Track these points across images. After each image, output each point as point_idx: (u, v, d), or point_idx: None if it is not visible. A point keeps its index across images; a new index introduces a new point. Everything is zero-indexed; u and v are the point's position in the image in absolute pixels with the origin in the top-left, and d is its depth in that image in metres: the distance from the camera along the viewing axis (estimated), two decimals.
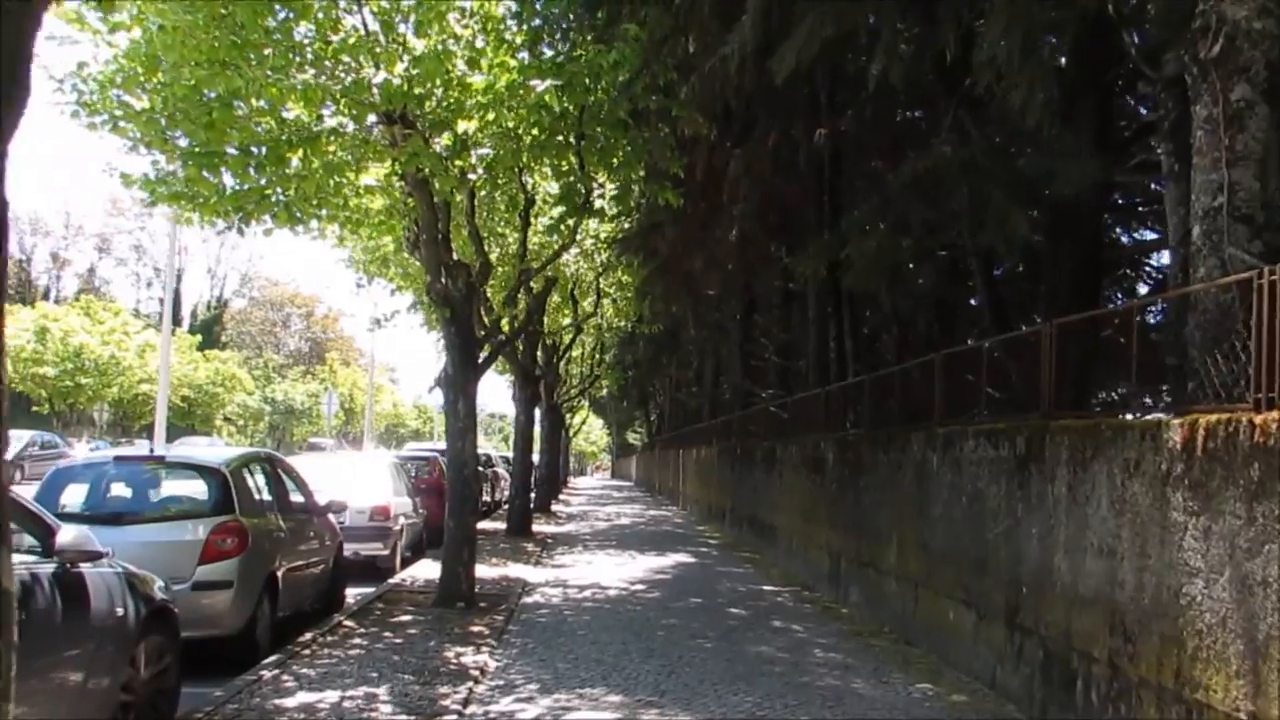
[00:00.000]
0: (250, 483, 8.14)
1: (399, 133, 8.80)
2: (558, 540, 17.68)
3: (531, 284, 15.39)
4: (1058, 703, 5.88)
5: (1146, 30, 8.88)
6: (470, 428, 10.13)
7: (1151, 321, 8.80)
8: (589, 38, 9.92)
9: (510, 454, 22.88)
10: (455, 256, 10.48)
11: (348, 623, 8.66)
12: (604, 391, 44.28)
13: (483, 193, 12.35)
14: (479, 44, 9.04)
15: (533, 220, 13.24)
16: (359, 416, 71.50)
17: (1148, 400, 6.90)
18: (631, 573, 13.02)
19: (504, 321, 14.00)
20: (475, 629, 8.58)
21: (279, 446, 64.09)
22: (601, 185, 11.72)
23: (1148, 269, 15.27)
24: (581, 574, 12.74)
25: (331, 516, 10.14)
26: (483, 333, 11.31)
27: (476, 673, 6.96)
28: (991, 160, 8.76)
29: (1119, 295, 14.30)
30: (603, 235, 18.35)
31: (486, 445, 49.90)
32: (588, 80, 9.12)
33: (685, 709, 6.18)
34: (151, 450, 8.12)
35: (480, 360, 10.77)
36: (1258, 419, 4.15)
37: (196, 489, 7.85)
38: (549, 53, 9.94)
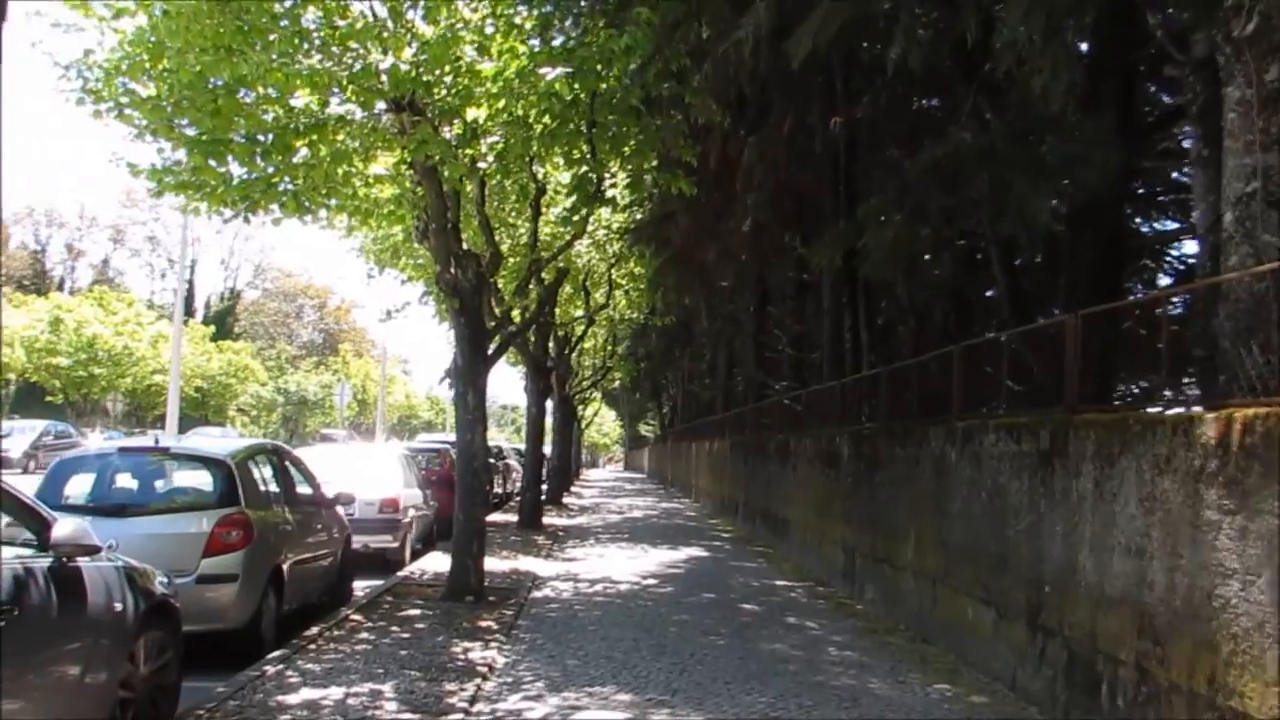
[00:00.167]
0: (256, 475, 8.02)
1: (408, 120, 8.65)
2: (569, 533, 17.56)
3: (543, 275, 15.25)
4: (1081, 706, 5.70)
5: (1172, 13, 8.65)
6: (480, 419, 9.99)
7: (1174, 313, 8.61)
8: (600, 23, 9.74)
9: (522, 446, 22.76)
10: (465, 246, 10.34)
11: (355, 617, 8.54)
12: (616, 383, 44.22)
13: (493, 182, 12.21)
14: (488, 30, 8.87)
15: (544, 210, 13.09)
16: (372, 408, 71.60)
17: (1173, 394, 6.69)
18: (643, 567, 12.88)
19: (515, 312, 13.84)
20: (484, 624, 8.46)
21: (292, 438, 64.29)
22: (613, 174, 11.53)
23: (1169, 260, 15.03)
24: (592, 568, 12.61)
25: (340, 509, 10.02)
26: (493, 324, 11.17)
27: (484, 669, 6.83)
28: (1012, 146, 8.54)
29: (1138, 287, 14.05)
30: (615, 226, 18.19)
31: (499, 437, 49.98)
32: (599, 67, 8.95)
33: (697, 709, 6.03)
34: (156, 441, 8.00)
35: (490, 351, 10.63)
36: None
37: (201, 481, 7.75)
38: (560, 39, 9.76)
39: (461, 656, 7.21)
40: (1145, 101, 11.73)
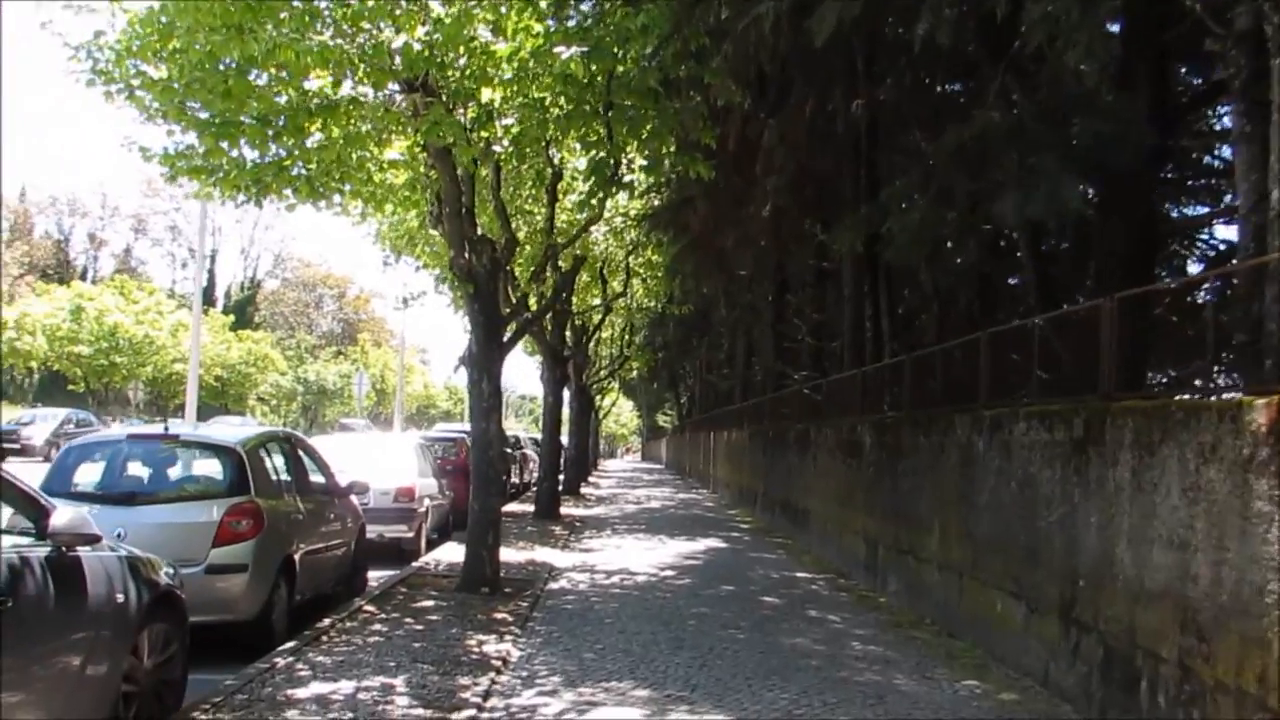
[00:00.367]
0: (267, 463, 7.87)
1: (421, 101, 8.46)
2: (586, 523, 17.40)
3: (560, 262, 15.07)
4: (1119, 704, 5.47)
5: None
6: (495, 407, 9.81)
7: (1209, 298, 8.32)
8: (617, 1, 9.50)
9: (540, 436, 22.61)
10: (480, 232, 10.15)
11: (368, 608, 8.40)
12: (634, 373, 43.98)
13: (508, 167, 12.02)
14: (502, 9, 8.66)
15: (560, 196, 12.89)
16: (390, 397, 71.74)
17: (1215, 380, 6.43)
18: (661, 558, 12.69)
19: (531, 300, 13.66)
20: (499, 616, 8.29)
21: (311, 427, 64.54)
22: (631, 158, 11.31)
23: (1200, 245, 14.67)
24: (609, 559, 12.44)
25: (354, 498, 9.88)
26: (508, 310, 10.98)
27: (499, 662, 6.66)
28: (1041, 126, 8.25)
29: (1164, 274, 13.71)
30: (632, 213, 17.98)
31: (516, 427, 49.86)
32: (615, 47, 8.73)
33: (717, 705, 5.84)
34: (166, 428, 7.86)
35: (506, 338, 10.45)
36: None
37: (211, 469, 7.61)
38: (575, 18, 9.53)
39: (476, 649, 7.05)
40: (1178, 82, 11.38)
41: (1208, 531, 4.72)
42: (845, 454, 12.35)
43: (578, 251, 14.94)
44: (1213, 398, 4.95)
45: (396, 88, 8.71)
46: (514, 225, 12.20)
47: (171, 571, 5.46)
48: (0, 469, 4.43)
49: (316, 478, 8.97)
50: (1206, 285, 6.92)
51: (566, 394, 23.23)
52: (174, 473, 7.73)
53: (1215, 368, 7.10)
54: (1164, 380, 10.09)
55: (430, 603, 8.78)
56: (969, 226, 10.62)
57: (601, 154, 9.98)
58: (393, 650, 6.88)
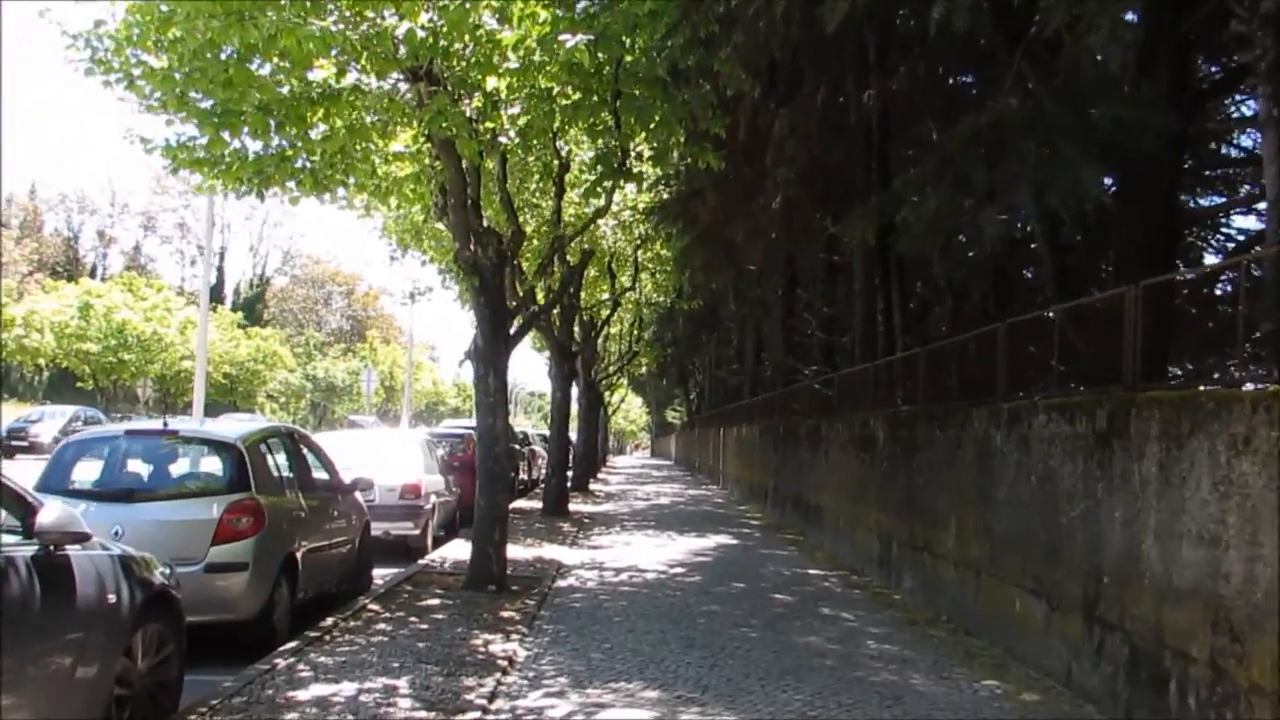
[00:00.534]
0: (269, 459, 7.71)
1: (425, 90, 8.29)
2: (595, 520, 17.23)
3: (568, 256, 14.89)
4: (1146, 705, 5.28)
5: None
6: (501, 402, 9.64)
7: (1229, 289, 8.09)
8: None
9: (548, 432, 22.45)
10: (486, 224, 9.98)
11: (372, 606, 8.24)
12: (643, 369, 43.86)
13: (515, 159, 11.84)
14: None
15: (567, 189, 12.71)
16: (399, 394, 71.73)
17: (1241, 371, 6.22)
18: (670, 555, 12.52)
19: (539, 293, 13.49)
20: (506, 614, 8.13)
21: (320, 424, 64.57)
22: (639, 148, 11.12)
23: (1219, 236, 14.43)
24: (618, 556, 12.27)
25: (358, 495, 9.73)
26: (514, 304, 10.82)
27: (505, 663, 6.49)
28: (1061, 111, 8.03)
29: (1183, 264, 13.46)
30: (641, 206, 17.79)
31: (525, 423, 49.81)
32: (623, 35, 8.54)
33: (729, 707, 5.66)
34: (165, 424, 7.71)
35: (512, 332, 10.29)
36: None
37: (211, 465, 7.47)
38: (582, 3, 9.33)
39: (482, 649, 6.88)
40: (1196, 70, 11.13)
41: (1240, 527, 4.53)
42: (858, 449, 12.16)
43: (585, 245, 14.77)
44: (1247, 387, 4.74)
45: (400, 77, 8.55)
46: (521, 219, 12.02)
47: (167, 571, 5.31)
48: None
49: (320, 474, 8.81)
50: (1234, 272, 6.69)
51: (575, 390, 23.06)
52: (173, 469, 7.59)
53: (1244, 357, 6.90)
54: (1180, 372, 9.87)
55: (436, 601, 8.62)
56: (986, 215, 10.39)
57: (613, 143, 9.80)
58: (397, 650, 6.72)
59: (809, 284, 21.68)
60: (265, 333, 63.73)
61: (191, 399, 42.20)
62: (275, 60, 7.88)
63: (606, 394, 39.39)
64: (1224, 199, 14.57)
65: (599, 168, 10.41)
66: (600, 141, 10.15)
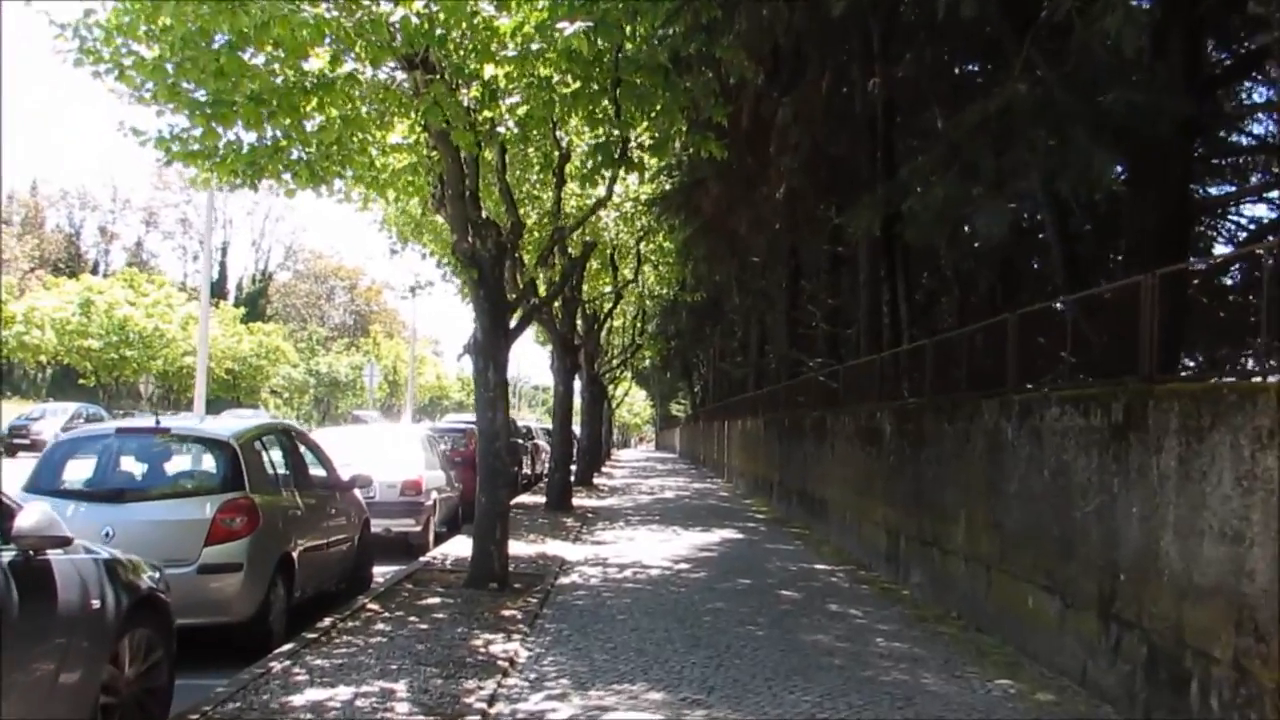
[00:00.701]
0: (263, 457, 7.56)
1: (421, 79, 8.12)
2: (598, 515, 17.08)
3: (569, 248, 14.72)
4: (1166, 706, 5.11)
5: None
6: (501, 396, 9.48)
7: (1257, 273, 7.89)
8: None
9: (551, 425, 22.30)
10: (485, 216, 9.81)
11: (371, 606, 8.09)
12: (646, 362, 43.70)
13: (514, 149, 11.67)
14: None
15: (567, 179, 12.54)
16: (403, 389, 71.66)
17: (1263, 363, 6.04)
18: (675, 550, 12.37)
19: (540, 285, 13.31)
20: (507, 613, 7.98)
21: (324, 419, 64.49)
22: (640, 138, 10.94)
23: (1228, 225, 14.23)
24: (622, 551, 12.12)
25: (357, 492, 9.57)
26: (514, 296, 10.65)
27: (506, 664, 6.34)
28: (1071, 97, 7.84)
29: (1193, 253, 13.26)
30: (643, 197, 17.61)
31: (529, 417, 49.64)
32: (623, 22, 8.35)
33: (735, 709, 5.51)
34: (158, 422, 7.56)
35: (512, 325, 10.12)
36: None
37: (204, 464, 7.31)
38: None
39: (482, 650, 6.73)
40: (1208, 56, 10.93)
41: (1265, 523, 4.36)
42: (864, 442, 11.99)
43: (587, 237, 14.61)
44: (1272, 379, 4.57)
45: (396, 65, 8.37)
46: (521, 210, 11.85)
47: (156, 574, 5.15)
48: None
49: (317, 471, 8.66)
50: (1250, 260, 6.51)
51: (578, 383, 22.92)
52: (165, 468, 7.42)
53: (1242, 352, 6.73)
54: (1193, 364, 9.69)
55: (436, 600, 8.48)
56: (995, 202, 10.21)
57: (615, 132, 9.62)
58: (395, 652, 6.57)
59: (813, 275, 21.49)
60: (268, 328, 63.62)
61: (194, 395, 42.18)
62: (268, 49, 7.72)
63: (610, 387, 39.26)
64: (1234, 187, 14.37)
65: (599, 156, 10.23)
66: (600, 130, 9.97)
